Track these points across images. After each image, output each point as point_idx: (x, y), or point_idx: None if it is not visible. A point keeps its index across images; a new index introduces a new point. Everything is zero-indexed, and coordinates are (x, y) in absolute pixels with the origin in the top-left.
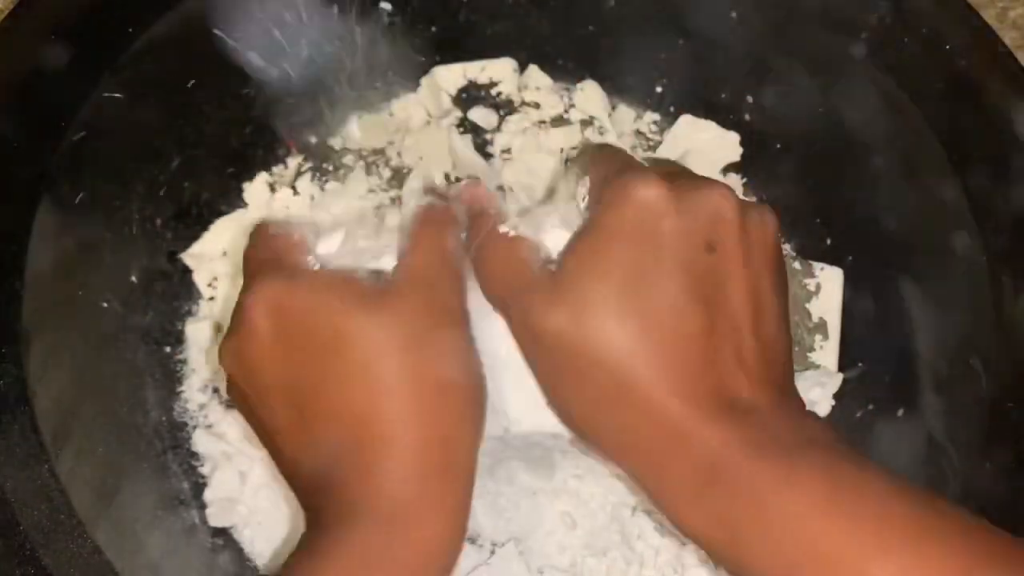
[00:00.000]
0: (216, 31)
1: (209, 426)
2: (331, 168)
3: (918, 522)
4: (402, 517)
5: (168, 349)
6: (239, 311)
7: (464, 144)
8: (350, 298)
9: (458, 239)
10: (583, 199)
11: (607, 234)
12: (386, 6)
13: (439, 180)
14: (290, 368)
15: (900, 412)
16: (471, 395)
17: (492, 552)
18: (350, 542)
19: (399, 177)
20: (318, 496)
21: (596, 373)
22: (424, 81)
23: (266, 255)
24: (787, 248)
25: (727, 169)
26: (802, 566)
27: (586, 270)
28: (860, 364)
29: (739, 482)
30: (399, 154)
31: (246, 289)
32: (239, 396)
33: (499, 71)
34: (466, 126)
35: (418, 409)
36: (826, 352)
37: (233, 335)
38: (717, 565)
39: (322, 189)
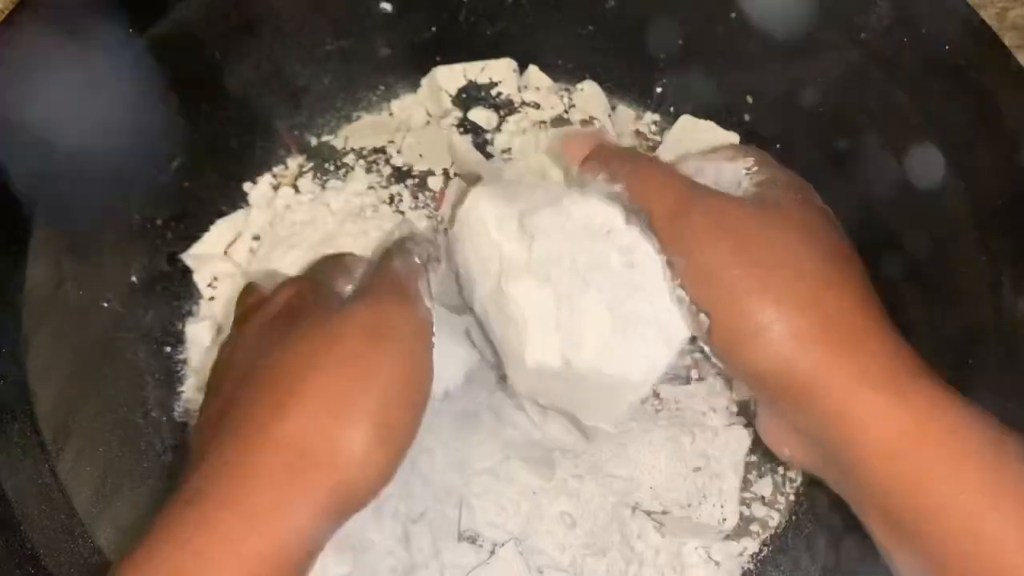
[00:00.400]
0: (216, 32)
1: None
2: (332, 167)
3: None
4: (259, 503)
5: (168, 349)
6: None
7: (464, 144)
8: (323, 300)
9: (412, 258)
10: (746, 170)
11: (800, 199)
12: (386, 6)
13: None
14: (269, 336)
15: None
16: (381, 421)
17: (492, 552)
18: (197, 523)
19: (399, 175)
20: (198, 462)
21: (784, 271)
22: (424, 81)
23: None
24: None
25: None
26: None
27: (788, 202)
28: None
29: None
30: (399, 152)
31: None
32: (230, 345)
33: (499, 71)
34: (466, 126)
35: (319, 407)
36: None
37: (267, 298)
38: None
39: (323, 188)
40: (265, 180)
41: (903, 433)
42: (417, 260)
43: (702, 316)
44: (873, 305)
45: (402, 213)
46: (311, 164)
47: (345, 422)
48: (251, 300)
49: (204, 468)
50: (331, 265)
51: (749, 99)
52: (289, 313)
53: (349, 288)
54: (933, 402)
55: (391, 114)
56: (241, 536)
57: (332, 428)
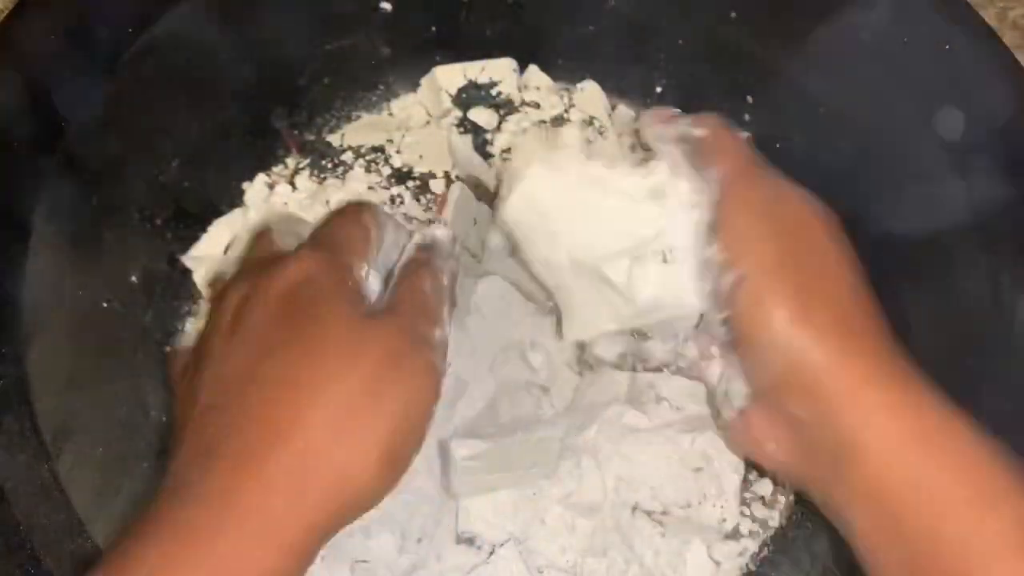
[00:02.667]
0: (216, 31)
1: None
2: (329, 165)
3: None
4: (254, 528)
5: (168, 349)
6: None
7: (464, 144)
8: (343, 293)
9: (442, 281)
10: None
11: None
12: (386, 6)
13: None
14: (278, 323)
15: None
16: (388, 449)
17: (492, 552)
18: (185, 543)
19: (399, 176)
20: (192, 461)
21: (817, 262)
22: (424, 81)
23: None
24: None
25: None
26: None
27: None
28: None
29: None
30: (398, 152)
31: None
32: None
33: (499, 71)
34: (466, 126)
35: (330, 431)
36: None
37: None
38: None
39: (320, 185)
40: (261, 179)
41: (907, 435)
42: (446, 281)
43: (731, 276)
44: (879, 312)
45: (405, 215)
46: (307, 161)
47: (354, 450)
48: (263, 255)
49: (198, 486)
50: (353, 237)
51: (749, 99)
52: (301, 297)
53: (365, 271)
54: (937, 409)
55: (391, 114)
56: (237, 557)
57: (339, 454)
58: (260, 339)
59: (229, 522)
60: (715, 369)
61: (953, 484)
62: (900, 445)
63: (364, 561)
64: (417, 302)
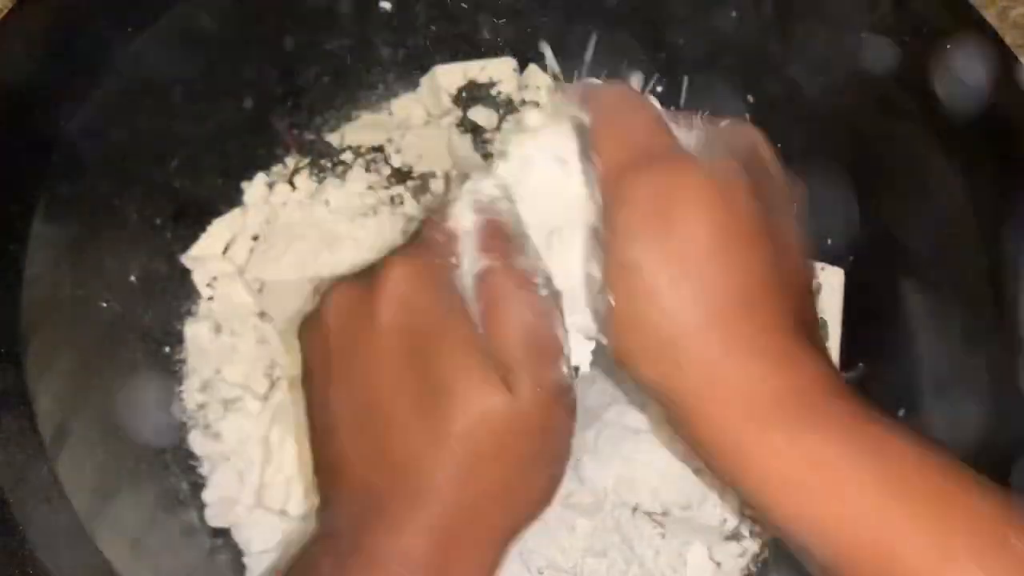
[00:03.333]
0: (216, 31)
1: (208, 426)
2: (329, 165)
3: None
4: None
5: (168, 349)
6: (387, 277)
7: (464, 144)
8: (459, 330)
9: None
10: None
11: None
12: (386, 6)
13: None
14: (391, 367)
15: (900, 412)
16: (507, 537)
17: None
18: None
19: (399, 176)
20: (339, 509)
21: (710, 271)
22: (424, 81)
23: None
24: None
25: None
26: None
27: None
28: (860, 364)
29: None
30: (398, 152)
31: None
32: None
33: (499, 71)
34: (466, 125)
35: (474, 500)
36: None
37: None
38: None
39: (319, 184)
40: (260, 178)
41: (801, 468)
42: (545, 291)
43: (603, 303)
44: (794, 323)
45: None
46: (307, 160)
47: (472, 542)
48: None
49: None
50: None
51: (749, 99)
52: (413, 331)
53: (463, 268)
54: (840, 429)
55: (391, 113)
56: None
57: (459, 546)
58: (384, 373)
59: None
60: None
61: (906, 515)
62: (796, 487)
63: None
64: (528, 342)
